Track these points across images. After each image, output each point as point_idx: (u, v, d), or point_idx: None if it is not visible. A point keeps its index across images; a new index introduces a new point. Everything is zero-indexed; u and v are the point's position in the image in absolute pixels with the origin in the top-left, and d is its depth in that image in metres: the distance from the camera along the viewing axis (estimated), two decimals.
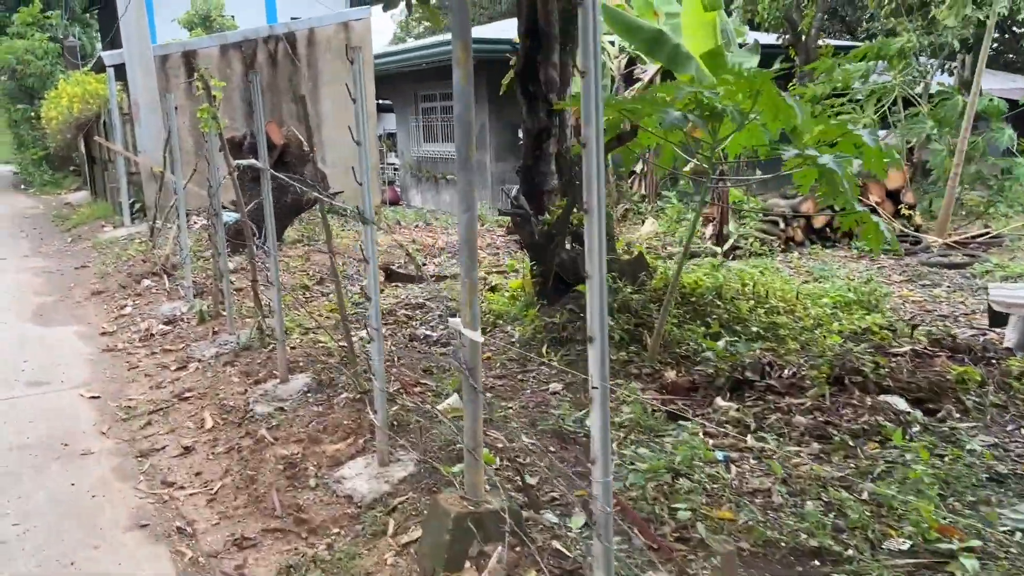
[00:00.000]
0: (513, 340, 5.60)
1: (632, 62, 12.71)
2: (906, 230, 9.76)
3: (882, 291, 6.54)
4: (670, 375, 4.74)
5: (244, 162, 5.04)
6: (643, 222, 11.44)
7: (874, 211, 9.81)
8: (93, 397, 5.41)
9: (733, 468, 3.60)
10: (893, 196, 10.38)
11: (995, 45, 18.34)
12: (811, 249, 9.33)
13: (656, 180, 13.06)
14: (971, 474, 3.47)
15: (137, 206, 12.93)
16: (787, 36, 16.55)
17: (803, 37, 16.39)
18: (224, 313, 6.70)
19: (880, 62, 10.94)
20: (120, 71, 12.49)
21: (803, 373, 4.50)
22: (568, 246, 5.86)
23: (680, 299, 5.61)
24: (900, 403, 4.13)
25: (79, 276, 9.53)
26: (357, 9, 14.26)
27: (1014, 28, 20.60)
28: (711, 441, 3.88)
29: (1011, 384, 4.41)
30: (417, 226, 12.42)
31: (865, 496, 3.28)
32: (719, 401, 4.36)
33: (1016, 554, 2.90)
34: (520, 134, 12.46)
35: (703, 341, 5.07)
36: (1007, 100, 11.46)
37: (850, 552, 2.92)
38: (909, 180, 10.67)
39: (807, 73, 13.27)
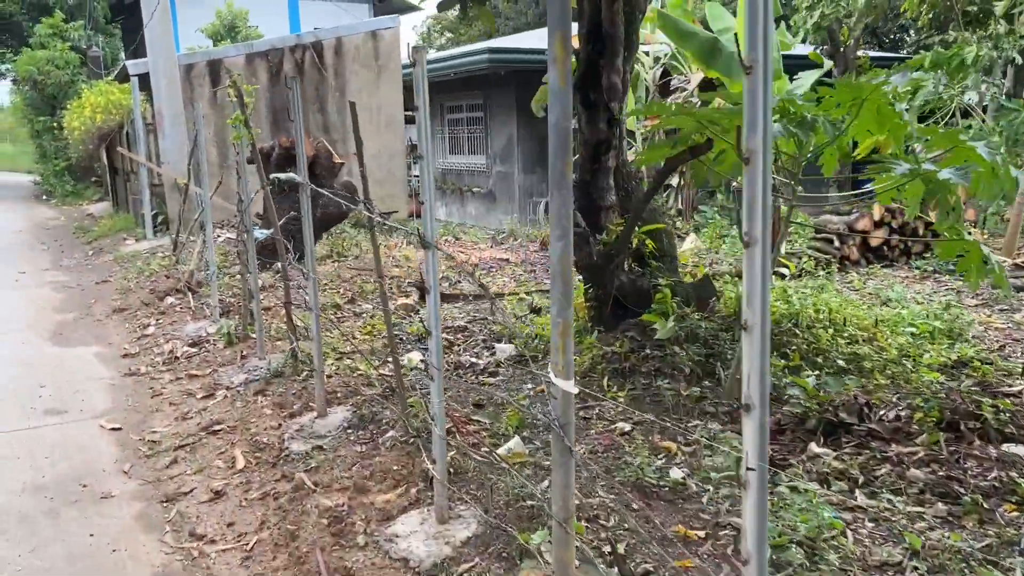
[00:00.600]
0: None
1: (667, 72, 12.26)
2: None
3: (966, 318, 6.01)
4: None
5: (284, 176, 4.62)
6: (683, 238, 10.95)
7: (930, 226, 9.26)
8: (114, 428, 4.99)
9: (849, 532, 3.10)
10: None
11: None
12: (868, 269, 8.79)
13: (692, 195, 12.58)
14: None
15: (160, 218, 12.61)
16: (825, 47, 16.08)
17: (842, 48, 15.91)
18: (253, 335, 6.28)
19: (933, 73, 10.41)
20: (144, 80, 12.21)
21: (907, 415, 3.99)
22: (626, 267, 5.41)
23: None
24: None
25: (100, 292, 9.18)
26: (387, 18, 13.92)
27: None
28: (816, 496, 3.39)
29: None
30: (447, 240, 12.00)
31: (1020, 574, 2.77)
32: (813, 447, 3.86)
33: None
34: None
35: (787, 376, 4.58)
36: None
37: None
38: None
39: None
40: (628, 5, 5.01)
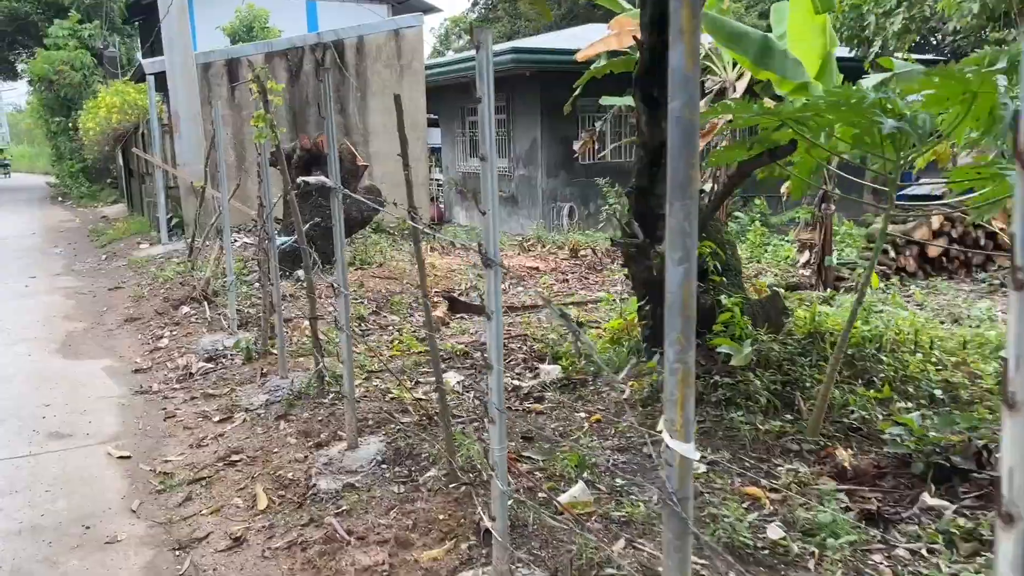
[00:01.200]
0: (624, 397, 4.61)
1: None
2: None
3: None
4: (843, 455, 3.71)
5: (313, 179, 4.15)
6: None
7: (993, 238, 8.69)
8: (123, 457, 4.52)
9: None
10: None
11: None
12: (928, 281, 8.22)
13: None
14: None
15: (175, 222, 12.21)
16: (862, 48, 15.51)
17: (878, 51, 15.32)
18: (274, 351, 5.82)
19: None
20: (160, 80, 11.81)
21: None
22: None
23: (827, 350, 4.58)
24: None
25: (112, 299, 8.75)
26: (410, 16, 13.47)
27: None
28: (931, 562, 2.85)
29: None
30: (464, 246, 11.51)
31: None
32: (926, 498, 3.32)
33: None
34: (576, 147, 11.60)
35: (873, 407, 4.04)
36: None
37: None
38: None
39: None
40: None
